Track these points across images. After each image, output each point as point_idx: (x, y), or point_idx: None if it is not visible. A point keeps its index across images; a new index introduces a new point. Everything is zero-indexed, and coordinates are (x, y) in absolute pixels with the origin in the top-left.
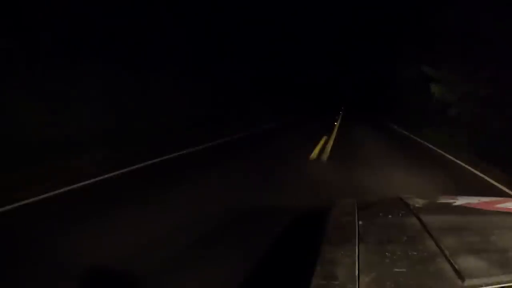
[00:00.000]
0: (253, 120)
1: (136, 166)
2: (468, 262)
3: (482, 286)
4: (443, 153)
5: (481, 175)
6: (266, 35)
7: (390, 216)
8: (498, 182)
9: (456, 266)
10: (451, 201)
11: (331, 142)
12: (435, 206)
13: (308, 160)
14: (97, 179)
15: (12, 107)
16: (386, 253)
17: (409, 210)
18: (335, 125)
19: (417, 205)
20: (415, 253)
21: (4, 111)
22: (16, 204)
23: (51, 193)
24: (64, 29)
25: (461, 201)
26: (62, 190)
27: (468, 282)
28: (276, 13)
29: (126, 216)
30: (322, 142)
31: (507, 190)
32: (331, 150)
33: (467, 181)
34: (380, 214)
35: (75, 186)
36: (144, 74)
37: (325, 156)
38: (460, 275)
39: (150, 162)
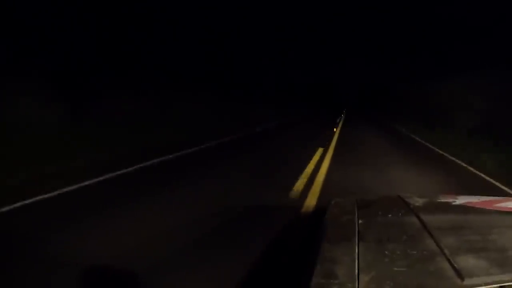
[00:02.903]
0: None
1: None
2: (467, 261)
3: (481, 285)
4: None
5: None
6: (269, 36)
7: (390, 215)
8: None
9: (456, 265)
10: (450, 200)
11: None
12: (435, 205)
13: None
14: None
15: None
16: (386, 252)
17: (409, 209)
18: (334, 132)
19: (416, 204)
20: (414, 252)
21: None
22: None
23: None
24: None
25: (461, 200)
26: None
27: (467, 281)
28: (278, 13)
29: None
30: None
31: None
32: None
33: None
34: (380, 213)
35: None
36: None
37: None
38: (459, 274)
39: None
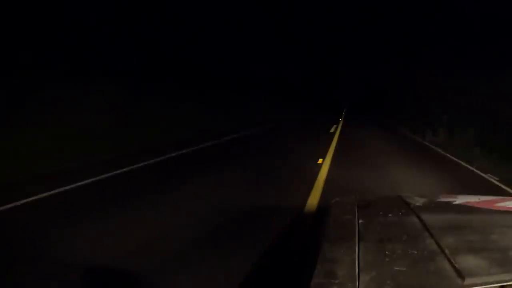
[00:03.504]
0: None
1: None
2: (468, 261)
3: (482, 285)
4: None
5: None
6: (264, 32)
7: (390, 215)
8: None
9: (456, 265)
10: (451, 200)
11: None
12: (435, 205)
13: None
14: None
15: None
16: (386, 252)
17: (409, 209)
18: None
19: (417, 204)
20: (415, 251)
21: None
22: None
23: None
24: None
25: (461, 200)
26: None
27: (468, 281)
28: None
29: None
30: None
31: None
32: None
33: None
34: (381, 212)
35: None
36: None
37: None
38: (460, 274)
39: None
